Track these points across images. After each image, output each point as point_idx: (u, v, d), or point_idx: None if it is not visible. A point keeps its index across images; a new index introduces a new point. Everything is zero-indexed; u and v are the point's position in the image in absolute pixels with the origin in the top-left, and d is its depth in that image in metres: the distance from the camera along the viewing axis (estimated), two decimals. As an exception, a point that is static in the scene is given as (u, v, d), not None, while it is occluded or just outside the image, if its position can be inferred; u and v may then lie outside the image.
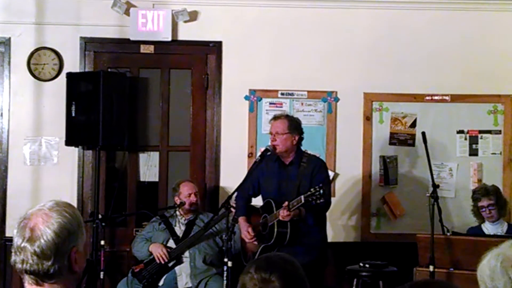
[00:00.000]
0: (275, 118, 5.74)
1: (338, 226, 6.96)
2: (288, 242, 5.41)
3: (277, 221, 5.41)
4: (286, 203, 5.30)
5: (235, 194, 5.70)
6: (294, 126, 5.66)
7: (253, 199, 5.98)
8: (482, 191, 6.22)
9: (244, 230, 5.68)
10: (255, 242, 5.64)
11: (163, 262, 6.12)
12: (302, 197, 5.21)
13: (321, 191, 5.13)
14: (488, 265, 2.35)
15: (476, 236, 5.75)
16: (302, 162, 5.65)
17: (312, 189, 5.19)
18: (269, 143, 5.66)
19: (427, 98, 7.01)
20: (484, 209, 6.15)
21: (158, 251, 6.14)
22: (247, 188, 5.84)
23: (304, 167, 5.62)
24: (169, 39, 6.85)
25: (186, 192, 6.36)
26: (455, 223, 6.77)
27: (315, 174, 5.59)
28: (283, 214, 5.30)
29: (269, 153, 5.61)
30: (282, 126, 5.62)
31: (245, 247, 5.78)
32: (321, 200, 5.18)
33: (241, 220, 5.75)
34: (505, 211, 6.29)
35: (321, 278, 5.73)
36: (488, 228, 6.20)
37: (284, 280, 2.24)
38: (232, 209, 5.56)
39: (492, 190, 6.23)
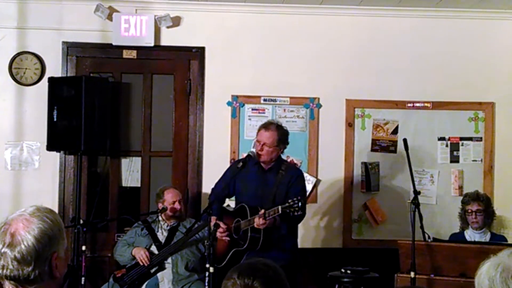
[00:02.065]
0: (266, 127, 5.65)
1: (320, 232, 6.97)
2: (259, 248, 5.43)
3: (251, 227, 5.43)
4: (263, 211, 5.31)
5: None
6: (283, 139, 5.65)
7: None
8: (473, 196, 6.28)
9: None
10: (227, 238, 5.62)
11: (145, 264, 6.09)
12: (280, 207, 5.22)
13: (299, 204, 5.15)
14: (487, 275, 2.34)
15: (457, 243, 5.78)
16: (280, 169, 5.67)
17: (290, 201, 5.20)
18: (252, 149, 5.65)
19: (409, 105, 7.04)
20: (471, 214, 6.18)
21: (140, 253, 6.12)
22: (221, 188, 5.84)
23: (282, 175, 5.65)
24: (152, 44, 6.84)
25: (170, 200, 6.34)
26: (436, 230, 6.80)
27: (292, 184, 5.62)
28: (258, 222, 5.31)
29: (251, 159, 5.63)
30: (272, 139, 5.58)
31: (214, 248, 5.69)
32: (299, 213, 5.21)
33: (213, 220, 5.70)
34: (491, 221, 6.32)
35: (294, 282, 5.74)
36: (471, 235, 6.22)
37: (266, 286, 2.25)
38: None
39: (483, 197, 6.28)
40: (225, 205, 6.03)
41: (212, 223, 5.54)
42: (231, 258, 5.52)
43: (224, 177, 5.93)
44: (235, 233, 5.61)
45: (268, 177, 5.68)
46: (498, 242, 5.99)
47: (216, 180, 5.95)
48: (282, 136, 5.64)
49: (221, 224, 5.59)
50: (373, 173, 7.01)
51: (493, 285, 2.30)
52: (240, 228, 5.56)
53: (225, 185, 5.83)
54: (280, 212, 5.22)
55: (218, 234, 5.57)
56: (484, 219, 6.22)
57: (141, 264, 6.11)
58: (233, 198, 5.96)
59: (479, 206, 6.20)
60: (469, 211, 6.21)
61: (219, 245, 5.66)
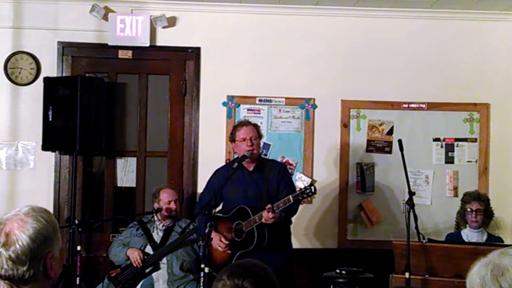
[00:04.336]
0: (244, 124, 5.80)
1: (315, 233, 6.98)
2: (265, 247, 5.44)
3: (256, 226, 5.43)
4: (269, 205, 5.32)
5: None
6: (260, 132, 5.85)
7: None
8: (474, 195, 6.30)
9: (217, 240, 5.59)
10: (229, 251, 5.61)
11: (138, 266, 6.09)
12: (291, 196, 5.27)
13: (313, 188, 5.25)
14: (478, 274, 2.34)
15: (452, 243, 5.80)
16: (265, 167, 5.76)
17: (301, 188, 5.33)
18: (246, 148, 5.65)
19: (404, 106, 7.05)
20: (470, 212, 6.18)
21: (134, 255, 6.12)
22: (208, 198, 5.81)
23: (268, 170, 5.73)
24: (147, 44, 6.84)
25: (166, 199, 6.34)
26: (431, 231, 6.81)
27: (281, 178, 5.72)
28: (267, 216, 5.31)
29: (246, 159, 5.65)
30: (255, 131, 5.74)
31: (212, 256, 5.54)
32: (315, 195, 5.38)
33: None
34: (489, 221, 6.33)
35: (292, 280, 5.81)
36: (468, 235, 6.22)
37: (257, 286, 2.24)
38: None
39: (484, 197, 6.30)
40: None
41: (212, 236, 5.52)
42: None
43: (208, 187, 5.92)
44: (237, 237, 5.60)
45: (255, 177, 5.73)
46: (492, 243, 5.99)
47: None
48: (258, 127, 5.86)
49: (223, 239, 5.59)
50: (368, 174, 7.02)
51: (484, 283, 2.30)
52: (243, 229, 5.55)
53: (212, 195, 5.80)
54: (292, 201, 5.28)
55: (219, 249, 5.58)
56: (483, 218, 6.23)
57: (134, 265, 6.11)
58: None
59: (479, 205, 6.21)
60: (469, 210, 6.21)
61: (219, 253, 5.63)
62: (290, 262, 5.79)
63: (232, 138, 5.80)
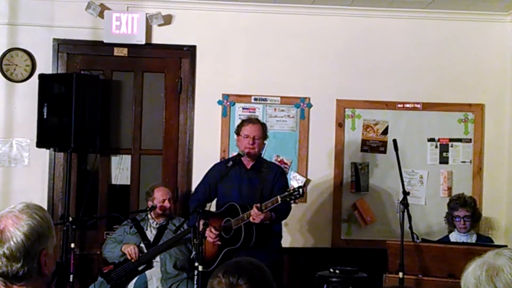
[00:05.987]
0: (252, 121, 5.81)
1: (309, 232, 6.98)
2: (252, 245, 5.44)
3: (244, 224, 5.43)
4: (258, 204, 5.32)
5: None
6: (266, 131, 5.84)
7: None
8: (461, 202, 6.23)
9: (207, 230, 5.56)
10: (219, 242, 5.62)
11: (133, 259, 6.08)
12: (279, 197, 5.26)
13: (301, 190, 5.19)
14: (473, 274, 2.36)
15: (446, 243, 5.81)
16: (262, 167, 5.77)
17: (289, 189, 5.30)
18: (246, 145, 5.66)
19: (399, 105, 7.06)
20: (459, 219, 6.17)
21: (130, 248, 6.11)
22: (202, 192, 5.87)
23: (265, 172, 5.73)
24: (143, 42, 6.84)
25: (160, 198, 6.34)
26: (425, 231, 6.82)
27: (277, 180, 5.72)
28: (255, 214, 5.32)
29: (241, 157, 5.66)
30: (261, 131, 5.75)
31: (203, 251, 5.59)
32: (300, 199, 5.34)
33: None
34: (477, 224, 6.32)
35: (281, 278, 5.82)
36: (457, 238, 6.22)
37: (251, 284, 2.25)
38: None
39: (470, 202, 6.24)
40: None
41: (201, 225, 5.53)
42: (223, 258, 5.50)
43: (204, 181, 5.95)
44: (226, 233, 5.61)
45: (251, 175, 5.74)
46: (486, 243, 6.00)
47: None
48: (265, 128, 5.85)
49: (212, 229, 5.59)
50: (362, 174, 7.03)
51: (479, 283, 2.31)
52: (232, 226, 5.55)
53: (207, 189, 5.85)
54: (279, 202, 5.26)
55: (209, 239, 5.57)
56: (472, 223, 6.22)
57: (129, 258, 6.10)
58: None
59: (467, 212, 6.18)
60: (457, 217, 6.19)
61: (208, 248, 5.63)
62: (280, 260, 5.80)
63: (237, 131, 5.82)
